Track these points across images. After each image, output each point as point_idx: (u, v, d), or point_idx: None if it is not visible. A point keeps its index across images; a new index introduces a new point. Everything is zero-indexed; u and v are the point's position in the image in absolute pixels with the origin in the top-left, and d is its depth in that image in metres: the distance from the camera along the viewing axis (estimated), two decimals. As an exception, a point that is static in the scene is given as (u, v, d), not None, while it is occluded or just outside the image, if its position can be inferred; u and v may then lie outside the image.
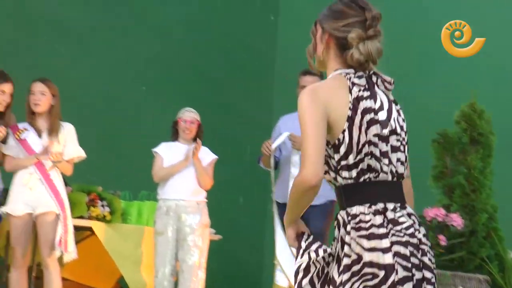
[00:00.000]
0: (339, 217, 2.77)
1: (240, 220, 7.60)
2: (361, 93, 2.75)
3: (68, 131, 5.48)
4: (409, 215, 2.75)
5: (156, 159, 5.75)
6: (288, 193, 5.10)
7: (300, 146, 5.20)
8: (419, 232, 2.73)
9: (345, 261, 2.67)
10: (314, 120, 2.69)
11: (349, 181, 2.74)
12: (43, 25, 6.94)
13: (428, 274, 2.70)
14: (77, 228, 5.67)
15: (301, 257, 2.77)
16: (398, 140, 2.78)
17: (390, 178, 2.75)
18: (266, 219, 7.62)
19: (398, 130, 2.78)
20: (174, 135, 5.85)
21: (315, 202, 5.66)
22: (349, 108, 2.72)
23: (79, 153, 5.49)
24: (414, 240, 2.70)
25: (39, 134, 5.40)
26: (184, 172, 5.65)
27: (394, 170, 2.76)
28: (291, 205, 2.80)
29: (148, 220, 6.05)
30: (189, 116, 5.78)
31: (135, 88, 7.43)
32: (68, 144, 5.45)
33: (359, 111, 2.73)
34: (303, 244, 2.79)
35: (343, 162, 2.73)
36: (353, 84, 2.76)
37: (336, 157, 2.74)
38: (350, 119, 2.72)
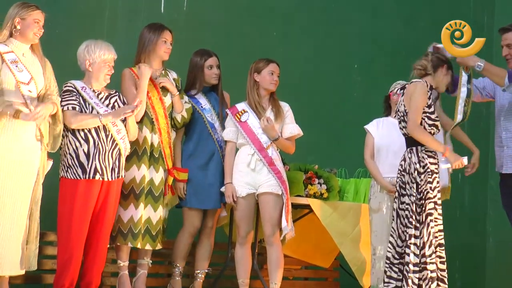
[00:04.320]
0: None
1: (459, 197, 7.38)
2: None
3: (286, 111, 5.55)
4: (409, 152, 5.17)
5: (367, 139, 5.70)
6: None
7: None
8: (405, 162, 5.15)
9: None
10: None
11: None
12: (250, 6, 7.05)
13: (403, 180, 5.17)
14: (295, 206, 5.77)
15: None
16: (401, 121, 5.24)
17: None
18: (487, 194, 7.36)
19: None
20: (386, 110, 5.78)
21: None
22: None
23: (299, 131, 5.55)
24: (400, 167, 5.18)
25: (259, 116, 5.48)
26: (396, 148, 5.51)
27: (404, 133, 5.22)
28: None
29: (365, 197, 6.02)
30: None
31: (346, 66, 7.41)
32: (287, 123, 5.51)
33: None
34: None
35: None
36: None
37: None
38: None
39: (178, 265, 5.53)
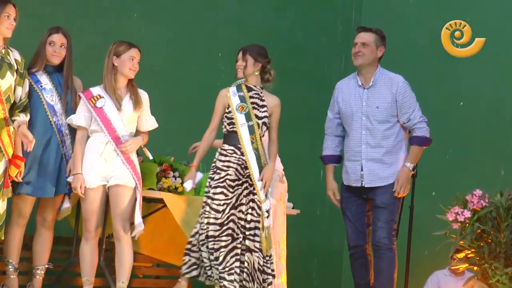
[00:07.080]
0: None
1: (320, 194, 7.36)
2: None
3: (145, 99, 5.33)
4: None
5: None
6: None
7: None
8: None
9: None
10: None
11: None
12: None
13: None
14: (147, 200, 5.57)
15: None
16: None
17: None
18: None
19: None
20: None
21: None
22: None
23: (154, 125, 5.36)
24: None
25: (117, 103, 5.21)
26: None
27: None
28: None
29: (222, 193, 5.84)
30: None
31: (211, 54, 7.24)
32: (145, 115, 5.32)
33: None
34: None
35: None
36: None
37: None
38: None
39: (10, 260, 5.17)
